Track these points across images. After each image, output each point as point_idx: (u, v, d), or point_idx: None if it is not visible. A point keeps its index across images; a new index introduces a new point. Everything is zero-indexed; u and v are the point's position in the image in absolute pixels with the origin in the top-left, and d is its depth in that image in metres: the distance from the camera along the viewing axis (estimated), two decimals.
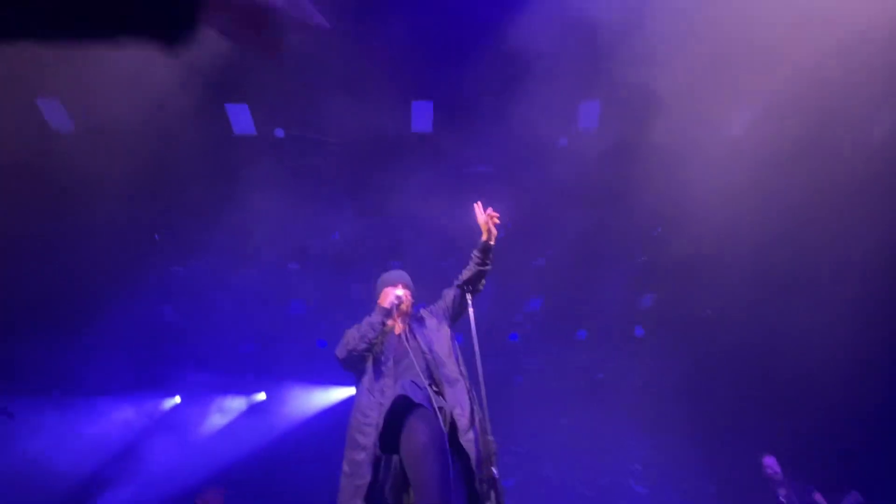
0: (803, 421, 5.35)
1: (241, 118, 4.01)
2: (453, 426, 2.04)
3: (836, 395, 4.96)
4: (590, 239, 5.14)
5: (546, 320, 6.22)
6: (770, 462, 4.45)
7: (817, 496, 4.20)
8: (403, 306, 2.49)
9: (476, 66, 3.85)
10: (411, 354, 2.26)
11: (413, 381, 2.12)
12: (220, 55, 3.11)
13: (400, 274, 2.73)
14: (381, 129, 4.13)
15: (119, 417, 5.92)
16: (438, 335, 2.41)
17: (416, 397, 2.00)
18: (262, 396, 6.70)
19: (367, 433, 2.03)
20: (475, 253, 2.51)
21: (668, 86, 3.93)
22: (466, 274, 2.51)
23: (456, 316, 2.59)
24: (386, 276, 2.73)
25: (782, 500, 4.26)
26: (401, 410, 1.98)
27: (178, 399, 6.39)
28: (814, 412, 5.25)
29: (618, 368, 6.58)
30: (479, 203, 2.54)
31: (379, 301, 2.58)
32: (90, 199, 4.08)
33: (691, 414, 6.11)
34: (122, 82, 3.33)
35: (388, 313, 2.40)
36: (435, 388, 2.15)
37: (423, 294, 2.92)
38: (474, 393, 2.17)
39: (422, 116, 4.19)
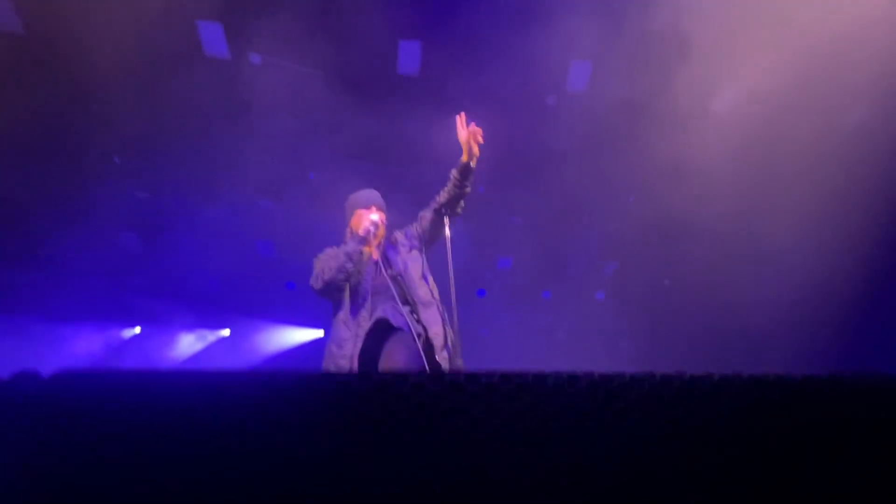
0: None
1: (213, 38, 3.73)
2: (429, 345, 2.11)
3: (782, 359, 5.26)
4: (566, 201, 5.21)
5: (514, 279, 6.38)
6: None
7: None
8: (379, 231, 2.39)
9: (468, 8, 3.69)
10: (389, 283, 2.24)
11: (393, 307, 2.16)
12: None
13: (371, 194, 2.59)
14: (366, 67, 3.95)
15: (79, 344, 5.80)
16: (412, 258, 2.38)
17: (396, 321, 2.07)
18: (225, 333, 6.68)
19: (341, 366, 2.06)
20: (453, 173, 2.35)
21: (661, 54, 3.92)
22: (444, 196, 2.38)
23: (431, 239, 2.50)
24: (356, 196, 2.59)
25: None
26: (380, 333, 2.05)
27: (137, 330, 6.29)
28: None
29: (577, 329, 6.89)
30: (462, 115, 2.37)
31: (351, 225, 2.48)
32: (49, 106, 3.77)
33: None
34: None
35: (363, 241, 2.30)
36: (409, 309, 2.17)
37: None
38: (446, 315, 2.20)
39: (409, 58, 4.02)
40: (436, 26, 3.81)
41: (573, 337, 6.96)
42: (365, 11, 3.56)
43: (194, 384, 0.77)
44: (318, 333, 6.78)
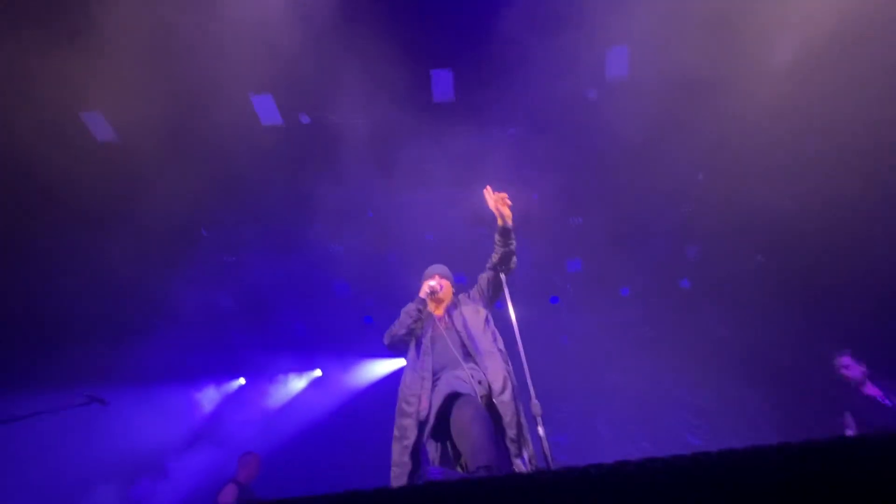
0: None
1: (266, 109, 4.10)
2: (489, 391, 2.29)
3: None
4: (628, 192, 4.97)
5: (587, 280, 6.15)
6: (846, 362, 3.77)
7: None
8: (439, 294, 2.81)
9: (492, 23, 3.71)
10: (445, 334, 2.54)
11: (457, 377, 2.34)
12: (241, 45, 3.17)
13: (437, 267, 3.06)
14: (403, 104, 4.10)
15: (192, 401, 6.46)
16: (473, 315, 2.67)
17: (462, 389, 2.24)
18: (318, 373, 7.09)
19: (411, 402, 2.34)
20: (496, 237, 2.67)
21: (702, 19, 3.66)
22: (495, 257, 2.69)
23: (493, 297, 2.83)
24: (427, 270, 3.06)
25: (871, 396, 3.61)
26: (450, 401, 2.22)
27: (242, 381, 6.87)
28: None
29: (665, 322, 6.46)
30: (489, 188, 2.66)
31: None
32: (135, 206, 4.34)
33: (745, 361, 5.95)
34: (151, 86, 3.47)
35: (422, 302, 2.73)
36: (475, 374, 2.35)
37: (460, 261, 3.04)
38: (509, 364, 2.41)
39: (442, 85, 4.12)
40: (462, 50, 3.88)
41: (661, 332, 6.51)
42: (392, 53, 3.71)
43: None
44: (401, 363, 6.97)
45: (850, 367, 3.77)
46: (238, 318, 5.95)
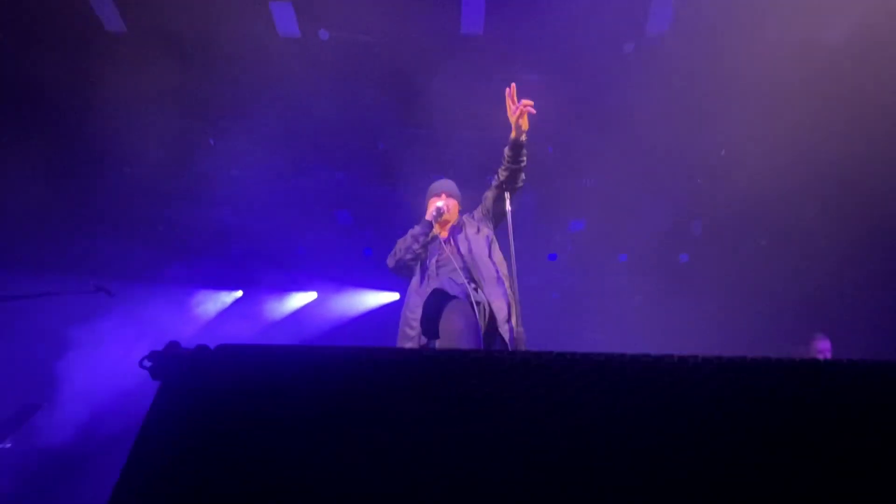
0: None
1: (285, 18, 3.89)
2: (492, 318, 2.19)
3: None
4: (645, 157, 4.85)
5: (588, 241, 6.16)
6: (823, 346, 3.78)
7: None
8: (446, 216, 2.62)
9: None
10: (451, 258, 2.39)
11: (451, 278, 2.28)
12: None
13: (443, 184, 2.82)
14: (428, 30, 3.88)
15: (192, 305, 6.70)
16: (477, 237, 2.51)
17: (453, 290, 2.17)
18: (313, 295, 7.29)
19: (413, 326, 2.24)
20: (506, 151, 2.44)
21: None
22: (502, 174, 2.49)
23: (497, 217, 2.64)
24: (432, 186, 2.83)
25: None
26: (437, 301, 2.15)
27: (240, 293, 7.09)
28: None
29: (658, 293, 6.56)
30: (513, 88, 2.34)
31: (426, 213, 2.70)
32: (142, 104, 4.24)
33: (725, 347, 6.11)
34: None
35: (429, 224, 2.55)
36: (474, 286, 2.28)
37: (468, 208, 2.96)
38: (515, 290, 2.25)
39: (473, 15, 3.88)
40: None
41: (651, 301, 6.64)
42: None
43: (307, 357, 0.96)
44: (395, 296, 7.16)
45: (828, 353, 3.78)
46: (239, 234, 6.02)
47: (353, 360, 0.91)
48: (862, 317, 4.97)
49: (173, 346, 0.96)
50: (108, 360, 4.98)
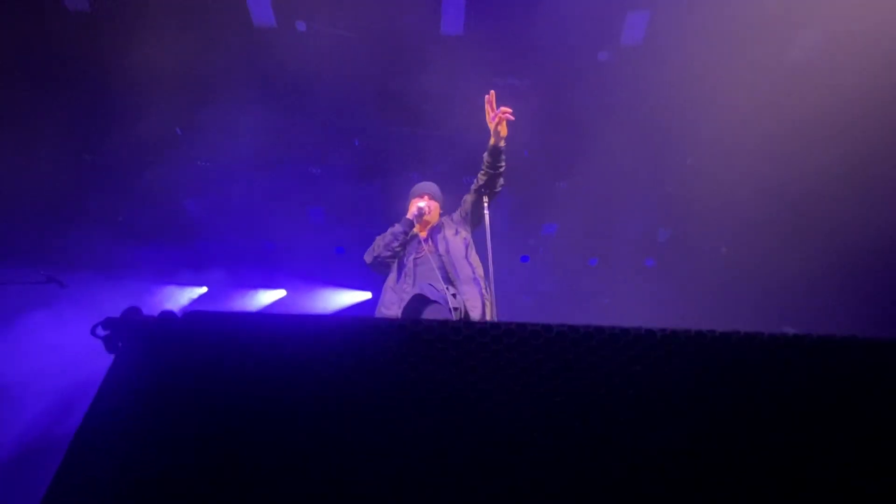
0: None
1: (261, 7, 3.78)
2: (467, 317, 2.23)
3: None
4: (617, 164, 4.98)
5: (560, 245, 6.27)
6: None
7: None
8: (427, 216, 2.68)
9: None
10: (429, 257, 2.43)
11: (431, 284, 2.32)
12: None
13: (427, 186, 2.88)
14: (408, 28, 3.86)
15: (153, 300, 6.41)
16: (455, 239, 2.56)
17: (433, 296, 2.21)
18: (282, 293, 7.12)
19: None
20: (485, 156, 2.49)
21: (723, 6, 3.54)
22: (481, 178, 2.53)
23: (475, 221, 2.68)
24: (415, 187, 2.89)
25: None
26: (417, 307, 2.19)
27: (204, 289, 6.83)
28: None
29: (624, 297, 6.74)
30: (492, 95, 2.38)
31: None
32: (109, 85, 4.04)
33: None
34: None
35: (410, 223, 2.61)
36: (453, 291, 2.31)
37: (450, 205, 2.99)
38: (490, 292, 2.31)
39: (453, 16, 3.89)
40: None
41: (619, 305, 6.82)
42: None
43: (279, 326, 0.88)
44: (367, 295, 7.08)
45: None
46: (205, 228, 5.80)
47: (336, 329, 0.85)
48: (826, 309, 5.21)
49: (133, 311, 0.82)
50: (62, 359, 4.71)
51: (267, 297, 7.11)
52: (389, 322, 0.89)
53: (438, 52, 4.05)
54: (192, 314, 0.84)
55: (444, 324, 0.86)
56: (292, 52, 3.99)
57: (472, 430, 0.75)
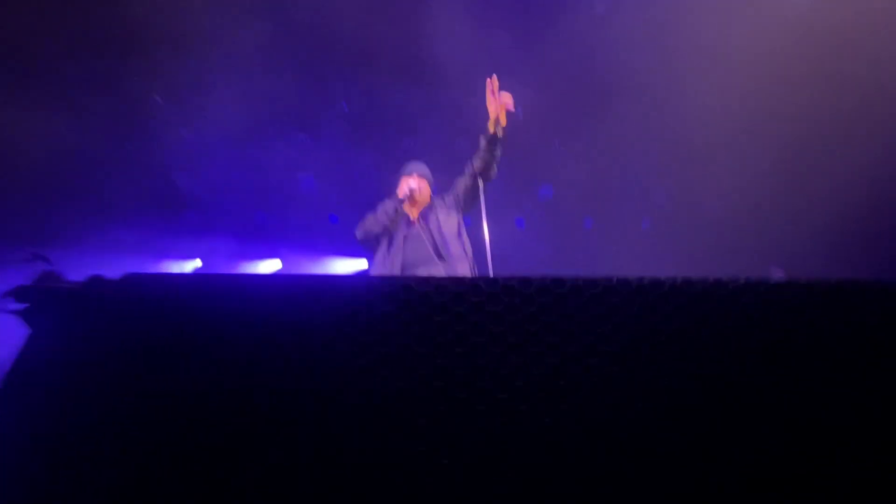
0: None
1: None
2: None
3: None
4: (612, 122, 4.86)
5: (554, 207, 6.22)
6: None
7: None
8: (416, 195, 2.65)
9: None
10: (421, 234, 2.47)
11: (422, 259, 2.34)
12: None
13: (416, 165, 2.84)
14: None
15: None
16: (447, 219, 2.58)
17: (422, 272, 2.26)
18: (277, 264, 7.08)
19: None
20: (482, 142, 2.45)
21: None
22: (477, 163, 2.51)
23: (468, 204, 2.68)
24: (405, 166, 2.84)
25: None
26: None
27: (198, 262, 6.77)
28: None
29: (619, 259, 6.76)
30: (494, 80, 2.30)
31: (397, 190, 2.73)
32: (78, 51, 3.82)
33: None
34: None
35: (399, 201, 2.60)
36: (443, 265, 2.36)
37: (438, 175, 2.92)
38: (477, 271, 2.39)
39: None
40: None
41: (614, 267, 6.85)
42: None
43: (241, 285, 0.79)
44: (363, 264, 7.06)
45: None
46: (193, 200, 5.67)
47: (314, 287, 0.78)
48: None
49: (49, 277, 0.65)
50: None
51: (262, 268, 7.08)
52: (379, 280, 0.87)
53: (430, 9, 3.85)
54: (129, 278, 0.70)
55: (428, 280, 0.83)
56: (276, 15, 3.78)
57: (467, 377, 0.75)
